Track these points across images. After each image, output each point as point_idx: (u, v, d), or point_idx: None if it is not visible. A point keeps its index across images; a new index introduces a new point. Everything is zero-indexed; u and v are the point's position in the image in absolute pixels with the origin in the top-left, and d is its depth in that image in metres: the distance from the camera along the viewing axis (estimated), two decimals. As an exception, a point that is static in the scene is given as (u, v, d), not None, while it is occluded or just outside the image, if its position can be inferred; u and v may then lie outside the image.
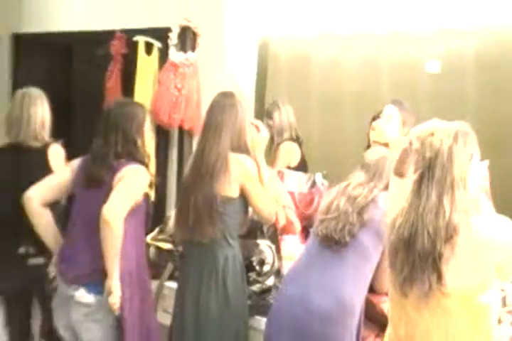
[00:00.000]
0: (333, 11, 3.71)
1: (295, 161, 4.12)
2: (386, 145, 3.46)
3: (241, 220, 3.09)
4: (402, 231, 2.26)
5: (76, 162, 3.17)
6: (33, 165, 3.62)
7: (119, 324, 2.97)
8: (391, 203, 2.50)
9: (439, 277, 2.15)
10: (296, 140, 4.05)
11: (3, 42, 5.42)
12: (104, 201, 2.82)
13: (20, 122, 3.64)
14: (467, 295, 2.18)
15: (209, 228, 2.93)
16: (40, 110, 3.71)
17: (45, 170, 3.52)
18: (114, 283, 2.87)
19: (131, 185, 2.96)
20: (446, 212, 2.17)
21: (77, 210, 3.10)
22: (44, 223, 3.15)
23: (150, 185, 3.12)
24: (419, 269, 2.21)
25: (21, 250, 3.58)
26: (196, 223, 2.96)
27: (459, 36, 3.50)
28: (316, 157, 3.96)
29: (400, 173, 2.44)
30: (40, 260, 3.56)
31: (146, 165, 3.10)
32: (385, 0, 3.55)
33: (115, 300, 2.87)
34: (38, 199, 3.08)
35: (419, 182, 2.25)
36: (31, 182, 3.27)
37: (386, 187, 2.67)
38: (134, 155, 3.06)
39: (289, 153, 4.12)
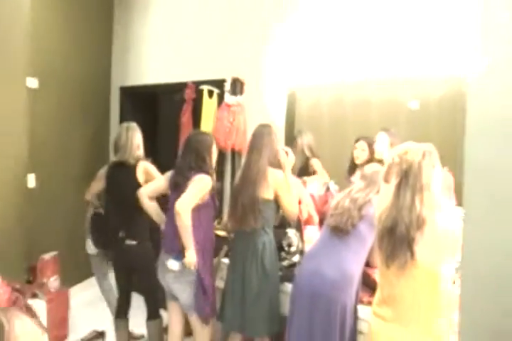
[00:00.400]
0: (337, 66, 3.70)
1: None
2: (380, 161, 3.43)
3: (274, 216, 3.13)
4: (386, 222, 2.31)
5: (168, 173, 3.30)
6: (130, 175, 3.66)
7: (197, 281, 3.09)
8: (379, 202, 2.50)
9: (412, 255, 2.23)
10: (312, 157, 3.99)
11: (115, 92, 5.51)
12: None
13: (126, 146, 3.69)
14: (430, 267, 2.25)
15: (251, 221, 3.00)
16: (137, 137, 3.76)
17: (135, 178, 3.66)
18: (190, 252, 2.99)
19: (197, 187, 3.03)
20: (417, 208, 2.24)
21: (169, 205, 3.18)
22: (153, 210, 3.36)
23: (212, 189, 3.14)
24: (398, 249, 2.28)
25: (120, 234, 3.63)
26: (243, 217, 3.03)
27: (432, 82, 3.44)
28: (329, 169, 3.91)
29: (386, 180, 2.45)
30: (132, 242, 3.62)
31: (211, 175, 3.15)
32: (379, 53, 3.49)
33: (192, 262, 3.00)
34: (145, 195, 3.29)
35: (398, 187, 2.31)
36: (129, 186, 3.53)
37: (378, 192, 2.70)
38: (203, 168, 3.12)
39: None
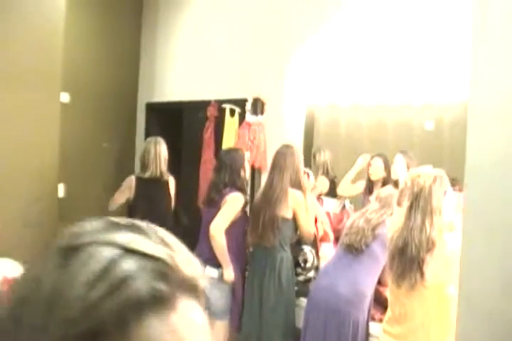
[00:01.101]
0: (355, 88, 3.76)
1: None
2: (396, 182, 3.50)
3: (291, 233, 3.20)
4: (397, 242, 2.35)
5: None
6: (164, 191, 3.83)
7: (230, 290, 3.22)
8: (392, 223, 2.56)
9: (422, 275, 2.26)
10: (327, 174, 4.04)
11: (141, 108, 5.63)
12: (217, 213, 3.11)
13: (155, 161, 3.80)
14: (440, 287, 2.27)
15: (271, 237, 3.08)
16: (164, 151, 3.87)
17: (169, 193, 3.84)
18: (229, 271, 3.12)
19: (230, 208, 3.13)
20: (427, 230, 2.28)
21: (204, 221, 3.28)
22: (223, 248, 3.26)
23: (245, 204, 3.23)
24: (408, 269, 2.32)
25: None
26: (263, 234, 3.10)
27: (447, 106, 3.51)
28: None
29: (399, 204, 2.52)
30: None
31: (244, 190, 3.24)
32: (397, 77, 3.57)
33: (230, 278, 3.13)
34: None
35: (409, 209, 2.36)
36: (163, 202, 3.75)
37: (391, 214, 2.78)
38: (236, 184, 3.22)
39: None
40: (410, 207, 2.37)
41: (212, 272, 3.18)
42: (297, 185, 3.13)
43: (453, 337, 2.26)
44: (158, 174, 3.79)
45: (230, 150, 3.41)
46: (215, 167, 3.37)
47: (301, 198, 3.10)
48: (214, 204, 3.19)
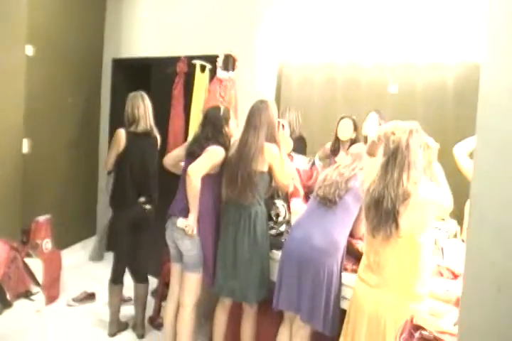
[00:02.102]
0: (328, 46, 3.70)
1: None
2: (366, 138, 3.55)
3: (266, 187, 3.15)
4: (373, 195, 2.35)
5: (185, 144, 3.42)
6: (153, 145, 3.82)
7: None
8: (366, 175, 2.57)
9: (396, 227, 2.31)
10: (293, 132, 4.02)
11: (108, 64, 5.48)
12: None
13: (145, 116, 3.73)
14: (413, 236, 2.32)
15: (249, 195, 3.04)
16: (150, 106, 3.81)
17: (157, 148, 3.85)
18: (192, 216, 3.08)
19: (210, 155, 3.09)
20: (403, 184, 2.28)
21: (182, 172, 3.24)
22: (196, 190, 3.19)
23: (224, 161, 3.17)
24: (384, 221, 2.34)
25: (141, 199, 3.73)
26: (241, 191, 3.04)
27: (412, 68, 3.48)
28: (315, 145, 3.95)
29: (369, 154, 2.57)
30: (149, 206, 3.76)
31: (226, 147, 3.19)
32: (371, 36, 3.51)
33: (190, 226, 3.08)
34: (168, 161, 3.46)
35: (386, 164, 2.36)
36: (153, 156, 3.77)
37: (362, 169, 2.82)
38: (219, 140, 3.17)
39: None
40: (387, 163, 2.36)
41: (185, 223, 3.13)
42: (272, 139, 3.08)
43: (421, 280, 2.33)
44: (149, 128, 3.73)
45: (215, 108, 3.34)
46: (200, 123, 3.33)
47: (277, 151, 3.06)
48: (195, 156, 3.13)
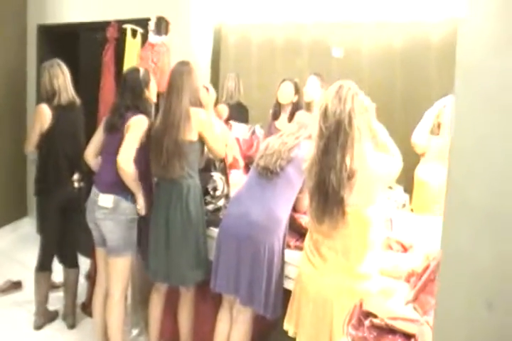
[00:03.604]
0: (268, 4, 3.37)
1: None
2: (309, 104, 3.33)
3: (199, 158, 2.86)
4: (316, 179, 2.05)
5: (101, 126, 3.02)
6: (79, 117, 3.47)
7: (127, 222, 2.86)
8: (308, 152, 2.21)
9: (343, 213, 2.05)
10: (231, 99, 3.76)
11: (32, 31, 5.01)
12: (118, 144, 2.75)
13: (66, 86, 3.36)
14: (360, 212, 2.07)
15: (177, 167, 2.72)
16: (69, 74, 3.44)
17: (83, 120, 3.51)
18: (141, 198, 2.81)
19: (133, 134, 2.76)
20: (347, 166, 1.95)
21: (104, 147, 2.93)
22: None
23: (149, 129, 2.84)
24: (329, 208, 2.06)
25: (74, 177, 3.39)
26: (168, 164, 2.73)
27: (356, 27, 3.21)
28: (255, 112, 3.65)
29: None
30: (80, 184, 3.43)
31: (149, 114, 2.89)
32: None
33: (142, 207, 2.82)
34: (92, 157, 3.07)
35: (327, 144, 2.00)
36: (81, 129, 3.44)
37: (309, 137, 2.48)
38: (139, 107, 2.84)
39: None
40: (328, 142, 2.02)
41: (107, 201, 2.80)
42: (197, 104, 2.78)
43: (376, 258, 2.11)
44: (72, 98, 3.37)
45: (132, 71, 2.98)
46: (118, 89, 2.99)
47: (204, 115, 2.76)
48: (116, 129, 2.82)
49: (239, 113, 3.70)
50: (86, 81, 4.49)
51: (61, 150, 3.33)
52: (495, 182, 0.73)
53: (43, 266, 3.41)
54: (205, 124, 2.75)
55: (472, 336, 0.69)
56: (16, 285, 3.91)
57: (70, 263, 3.49)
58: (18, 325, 3.46)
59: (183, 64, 2.82)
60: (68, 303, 3.49)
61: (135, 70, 2.96)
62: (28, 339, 3.31)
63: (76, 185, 3.39)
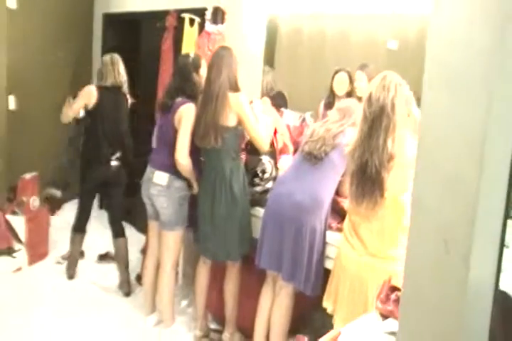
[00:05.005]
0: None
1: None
2: (360, 98, 3.30)
3: (239, 141, 2.94)
4: (358, 162, 2.12)
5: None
6: (125, 101, 3.71)
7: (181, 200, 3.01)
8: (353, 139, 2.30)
9: (382, 195, 2.14)
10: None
11: (98, 19, 5.19)
12: (170, 124, 2.93)
13: (113, 73, 3.62)
14: (395, 195, 2.14)
15: (212, 139, 2.81)
16: (121, 64, 3.69)
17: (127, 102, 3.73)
18: (194, 183, 2.96)
19: (186, 127, 2.88)
20: (388, 148, 2.04)
21: (158, 128, 3.09)
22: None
23: None
24: (369, 189, 2.16)
25: (113, 156, 3.63)
26: (204, 135, 2.84)
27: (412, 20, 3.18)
28: (306, 100, 3.69)
29: None
30: (118, 162, 3.65)
31: (195, 97, 2.98)
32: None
33: (195, 189, 2.97)
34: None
35: (370, 129, 2.05)
36: (125, 111, 3.69)
37: (353, 124, 2.52)
38: (186, 90, 2.96)
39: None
40: (372, 125, 2.11)
41: (162, 178, 2.95)
42: (234, 87, 2.83)
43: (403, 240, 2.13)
44: (118, 83, 3.63)
45: (184, 56, 3.16)
46: (172, 73, 3.18)
47: (242, 98, 2.82)
48: (167, 110, 2.96)
49: (280, 101, 3.76)
50: (146, 67, 4.66)
51: (101, 129, 3.58)
52: (455, 151, 0.84)
53: (78, 228, 3.74)
54: (243, 107, 2.80)
55: (434, 268, 0.85)
56: (80, 254, 4.11)
57: (117, 233, 3.73)
58: (82, 288, 3.73)
59: (224, 48, 2.94)
60: (122, 272, 3.71)
61: (186, 55, 3.10)
62: (85, 305, 3.52)
63: (113, 163, 3.61)
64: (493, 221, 0.81)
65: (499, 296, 0.98)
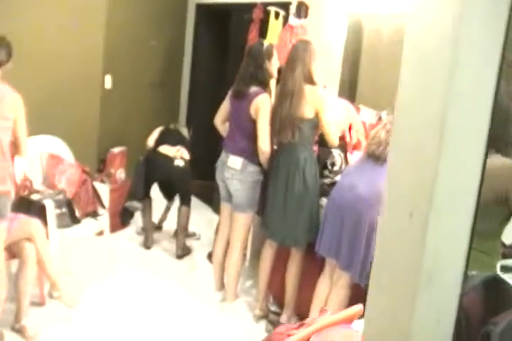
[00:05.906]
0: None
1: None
2: None
3: (314, 133, 3.00)
4: None
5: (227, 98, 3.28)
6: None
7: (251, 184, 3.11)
8: None
9: None
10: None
11: (191, 9, 5.38)
12: (245, 111, 3.01)
13: None
14: None
15: (289, 133, 2.90)
16: None
17: None
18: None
19: (265, 118, 2.98)
20: None
21: (232, 113, 3.19)
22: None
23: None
24: None
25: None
26: (281, 130, 2.93)
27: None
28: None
29: None
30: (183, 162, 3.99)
31: (267, 84, 3.09)
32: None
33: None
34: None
35: None
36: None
37: None
38: (258, 77, 3.04)
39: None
40: None
41: (236, 163, 3.06)
42: (309, 80, 2.89)
43: None
44: None
45: (258, 43, 3.20)
46: (244, 60, 3.17)
47: (321, 92, 2.89)
48: (242, 96, 3.06)
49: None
50: (235, 57, 4.81)
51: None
52: (418, 127, 0.92)
53: (145, 195, 4.07)
54: (322, 101, 2.86)
55: (398, 237, 0.96)
56: (157, 228, 4.43)
57: (183, 201, 4.07)
58: (156, 255, 4.08)
59: (303, 42, 3.00)
60: (179, 236, 4.06)
61: (260, 43, 3.16)
62: (159, 273, 3.78)
63: (176, 162, 3.95)
64: (453, 196, 0.90)
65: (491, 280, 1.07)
